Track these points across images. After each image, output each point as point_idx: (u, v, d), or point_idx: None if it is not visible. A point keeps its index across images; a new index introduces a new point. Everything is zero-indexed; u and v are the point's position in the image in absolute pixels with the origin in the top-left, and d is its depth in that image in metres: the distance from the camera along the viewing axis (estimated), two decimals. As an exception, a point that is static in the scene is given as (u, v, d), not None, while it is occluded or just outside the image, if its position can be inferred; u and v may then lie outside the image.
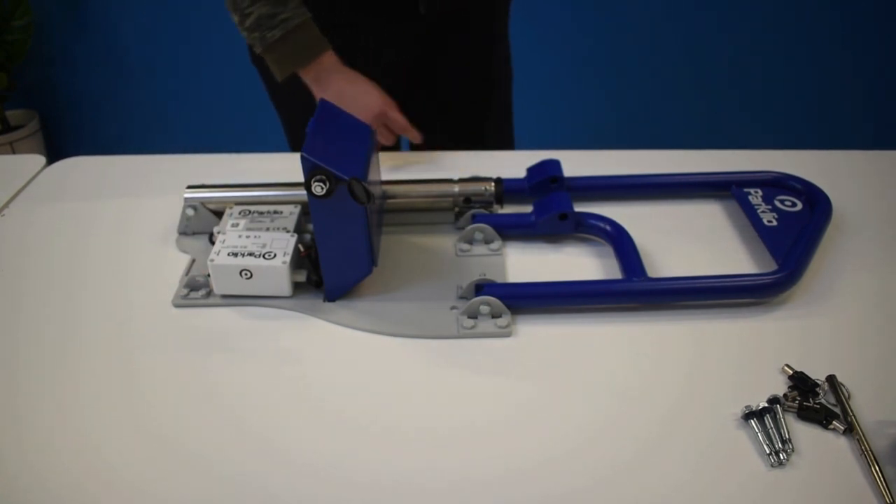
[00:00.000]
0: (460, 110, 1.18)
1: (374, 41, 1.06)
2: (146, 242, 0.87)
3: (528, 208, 0.87)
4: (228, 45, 2.26)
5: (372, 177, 0.78)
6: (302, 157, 0.70)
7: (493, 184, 0.89)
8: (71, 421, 0.65)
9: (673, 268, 0.81)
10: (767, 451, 0.60)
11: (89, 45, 2.28)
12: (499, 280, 0.78)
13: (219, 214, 0.86)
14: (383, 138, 0.99)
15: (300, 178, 0.89)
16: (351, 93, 0.94)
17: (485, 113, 1.21)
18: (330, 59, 0.94)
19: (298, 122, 1.08)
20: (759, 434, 0.61)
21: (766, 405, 0.63)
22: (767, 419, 0.62)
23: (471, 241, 0.85)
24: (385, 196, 0.88)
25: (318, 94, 0.95)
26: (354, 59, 1.01)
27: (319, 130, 0.75)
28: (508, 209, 0.91)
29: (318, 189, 0.71)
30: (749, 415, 0.62)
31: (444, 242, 0.86)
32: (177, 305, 0.77)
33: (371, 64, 1.04)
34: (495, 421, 0.64)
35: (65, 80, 2.35)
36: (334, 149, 0.74)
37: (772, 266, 0.78)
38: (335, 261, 0.75)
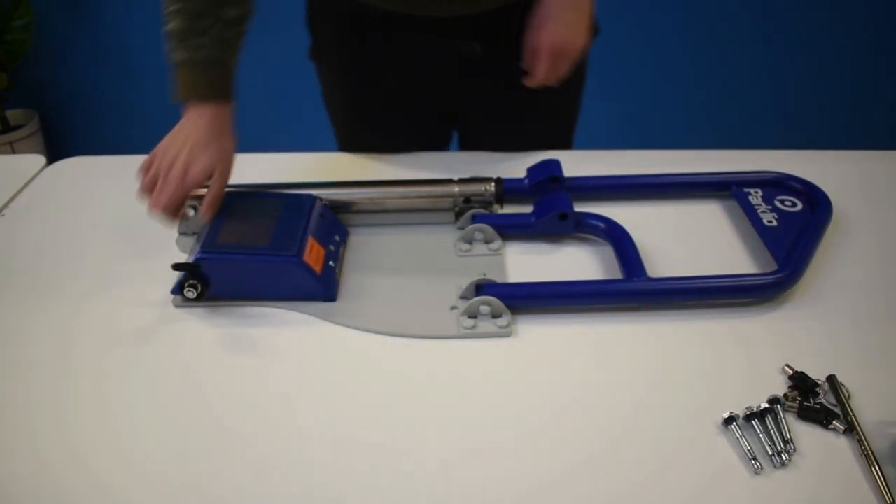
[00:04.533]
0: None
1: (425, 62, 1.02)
2: (146, 242, 0.87)
3: (528, 208, 0.87)
4: (228, 45, 2.27)
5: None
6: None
7: (493, 184, 0.89)
8: (71, 421, 0.65)
9: (673, 268, 0.81)
10: (769, 452, 0.60)
11: (90, 45, 2.28)
12: (499, 280, 0.78)
13: (219, 214, 0.86)
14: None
15: (300, 178, 0.90)
16: (192, 144, 0.80)
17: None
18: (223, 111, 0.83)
19: (344, 122, 1.09)
20: (760, 435, 0.61)
21: (767, 405, 0.63)
22: (768, 419, 0.62)
23: (471, 241, 0.85)
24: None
25: (180, 123, 0.82)
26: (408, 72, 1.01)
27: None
28: (508, 209, 0.91)
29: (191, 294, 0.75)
30: (750, 416, 0.62)
31: (444, 242, 0.86)
32: (177, 306, 0.77)
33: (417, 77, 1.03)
34: (495, 421, 0.64)
35: (65, 80, 2.35)
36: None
37: (772, 266, 0.78)
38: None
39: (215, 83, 0.83)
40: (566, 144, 1.13)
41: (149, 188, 0.80)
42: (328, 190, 0.87)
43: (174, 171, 0.78)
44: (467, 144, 1.14)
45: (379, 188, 0.89)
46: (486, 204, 0.89)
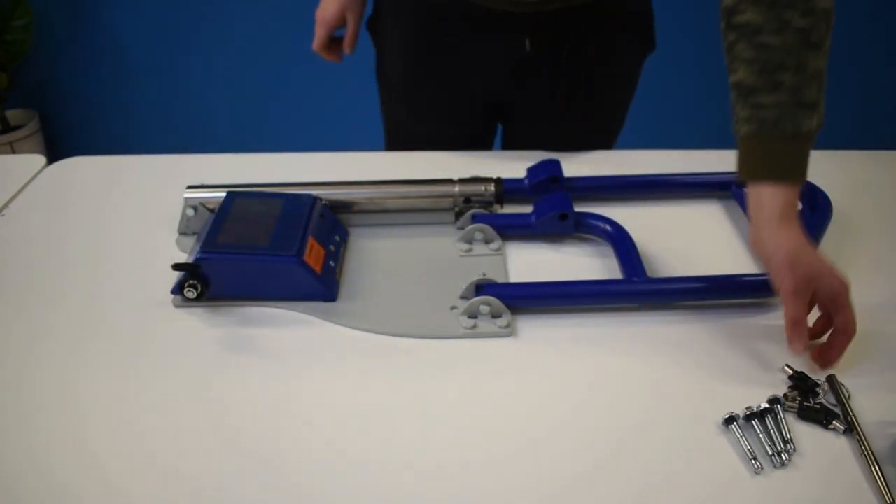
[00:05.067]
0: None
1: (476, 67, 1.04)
2: (146, 242, 0.87)
3: (528, 208, 0.87)
4: (228, 45, 2.27)
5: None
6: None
7: (493, 184, 0.89)
8: (70, 422, 0.65)
9: (673, 268, 0.81)
10: (769, 452, 0.60)
11: (89, 45, 2.28)
12: (499, 280, 0.78)
13: (219, 214, 0.86)
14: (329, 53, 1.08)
15: (301, 178, 0.90)
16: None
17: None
18: None
19: (391, 102, 1.14)
20: (760, 435, 0.61)
21: (767, 405, 0.63)
22: (768, 419, 0.62)
23: (471, 241, 0.85)
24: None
25: None
26: (456, 79, 1.04)
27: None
28: (508, 209, 0.91)
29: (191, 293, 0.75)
30: (750, 416, 0.62)
31: (444, 242, 0.86)
32: (177, 306, 0.77)
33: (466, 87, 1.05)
34: (495, 420, 0.64)
35: (65, 80, 2.35)
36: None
37: (772, 266, 0.78)
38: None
39: None
40: (607, 148, 1.13)
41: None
42: (328, 190, 0.87)
43: (316, 21, 1.06)
44: (511, 139, 1.16)
45: (379, 188, 0.89)
46: (486, 204, 0.89)
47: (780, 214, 0.70)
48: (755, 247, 0.72)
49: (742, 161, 0.72)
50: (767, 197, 0.70)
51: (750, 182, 0.72)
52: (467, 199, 0.88)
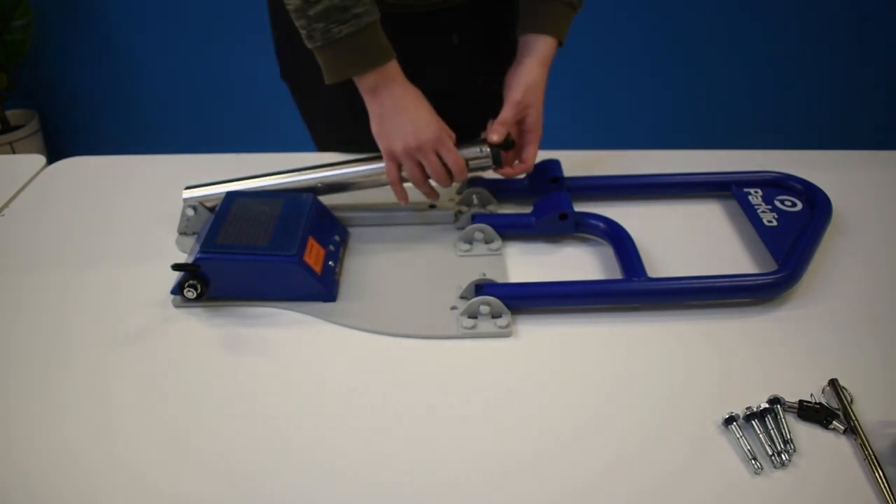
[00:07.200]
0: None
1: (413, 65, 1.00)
2: (146, 243, 0.87)
3: (528, 208, 0.87)
4: (229, 45, 2.27)
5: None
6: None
7: (487, 146, 0.84)
8: (70, 422, 0.65)
9: (673, 268, 0.81)
10: (769, 452, 0.60)
11: (89, 45, 2.28)
12: (499, 280, 0.78)
13: (219, 214, 0.86)
14: (423, 186, 0.86)
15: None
16: (411, 110, 0.82)
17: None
18: (394, 67, 0.82)
19: (330, 146, 1.08)
20: (760, 435, 0.61)
21: (767, 405, 0.63)
22: (768, 419, 0.62)
23: (471, 241, 0.85)
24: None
25: (373, 105, 0.83)
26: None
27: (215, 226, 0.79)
28: (508, 209, 0.91)
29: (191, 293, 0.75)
30: (750, 416, 0.62)
31: (444, 242, 0.86)
32: (177, 306, 0.77)
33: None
34: (494, 420, 0.64)
35: (65, 80, 2.35)
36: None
37: (772, 266, 0.78)
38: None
39: (384, 43, 0.82)
40: None
41: (421, 180, 0.84)
42: (326, 172, 0.87)
43: (433, 157, 0.82)
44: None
45: (376, 162, 0.86)
46: (485, 168, 0.86)
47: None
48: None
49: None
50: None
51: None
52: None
